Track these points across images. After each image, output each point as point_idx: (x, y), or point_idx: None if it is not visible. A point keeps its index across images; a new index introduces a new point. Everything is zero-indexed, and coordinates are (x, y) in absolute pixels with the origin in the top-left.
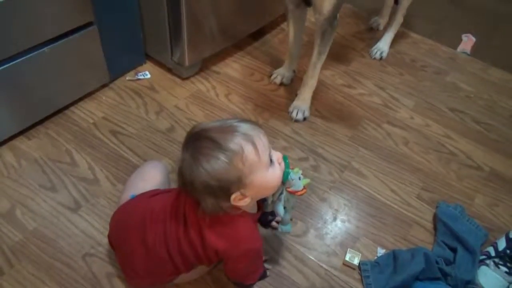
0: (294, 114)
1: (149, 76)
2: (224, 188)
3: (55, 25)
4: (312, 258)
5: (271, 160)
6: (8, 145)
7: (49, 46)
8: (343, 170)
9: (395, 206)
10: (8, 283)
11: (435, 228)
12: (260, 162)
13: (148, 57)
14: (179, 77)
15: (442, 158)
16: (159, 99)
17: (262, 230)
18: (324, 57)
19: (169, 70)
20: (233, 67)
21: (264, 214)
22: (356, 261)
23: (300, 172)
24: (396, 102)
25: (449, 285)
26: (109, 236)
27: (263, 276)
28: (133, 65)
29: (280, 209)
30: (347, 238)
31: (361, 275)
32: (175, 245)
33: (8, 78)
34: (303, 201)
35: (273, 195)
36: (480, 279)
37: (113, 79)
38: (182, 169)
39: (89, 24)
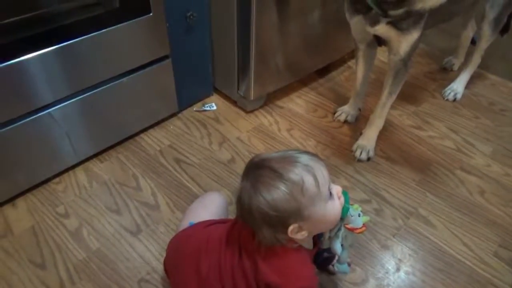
0: (357, 154)
1: (215, 107)
2: (282, 219)
3: (134, 57)
4: None
5: (330, 194)
6: (83, 166)
7: (127, 77)
8: (408, 217)
9: (468, 263)
10: None
11: None
12: (319, 194)
13: (215, 90)
14: (243, 110)
15: None
16: (222, 131)
17: (318, 273)
18: (394, 97)
19: (234, 103)
20: (297, 103)
21: (320, 251)
22: None
23: (360, 209)
24: (471, 147)
25: None
26: (164, 263)
27: None
28: (201, 97)
29: (338, 246)
30: None
31: None
32: (229, 276)
33: (89, 105)
34: (363, 247)
35: (331, 231)
36: None
37: (181, 109)
38: (241, 198)
39: (164, 58)
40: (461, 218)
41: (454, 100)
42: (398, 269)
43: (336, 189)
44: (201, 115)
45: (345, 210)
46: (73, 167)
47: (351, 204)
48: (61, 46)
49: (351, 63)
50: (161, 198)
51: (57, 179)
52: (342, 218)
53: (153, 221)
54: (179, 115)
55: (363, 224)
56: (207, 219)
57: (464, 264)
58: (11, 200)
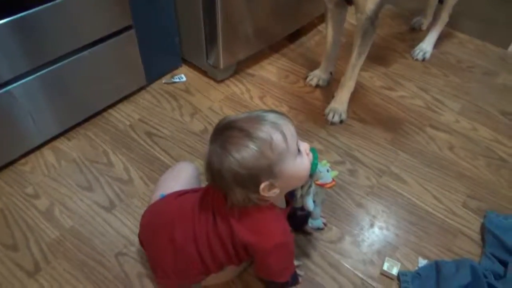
0: (330, 117)
1: (184, 79)
2: (253, 177)
3: (95, 29)
4: (348, 266)
5: (299, 150)
6: (50, 146)
7: (89, 50)
8: (381, 175)
9: (439, 215)
10: (44, 279)
11: (482, 240)
12: (288, 150)
13: (184, 61)
14: (214, 80)
15: (491, 164)
16: (194, 102)
17: (295, 235)
18: (363, 58)
19: (204, 73)
20: (268, 70)
21: (293, 209)
22: (394, 271)
23: (328, 164)
24: (440, 105)
25: None
26: (139, 236)
27: (295, 282)
28: (170, 69)
29: (310, 203)
30: (385, 246)
31: (399, 286)
32: (204, 242)
33: (51, 81)
34: (339, 206)
35: (302, 188)
36: None
37: (150, 82)
38: (210, 161)
39: (127, 28)
40: (431, 173)
41: (423, 59)
42: (372, 225)
43: (304, 146)
44: (171, 87)
45: (314, 166)
46: (40, 147)
47: (319, 161)
48: (16, 18)
49: (321, 27)
50: (134, 172)
51: (23, 160)
52: (311, 175)
53: (127, 195)
54: (148, 88)
55: (332, 179)
56: (178, 189)
57: (435, 216)
58: None
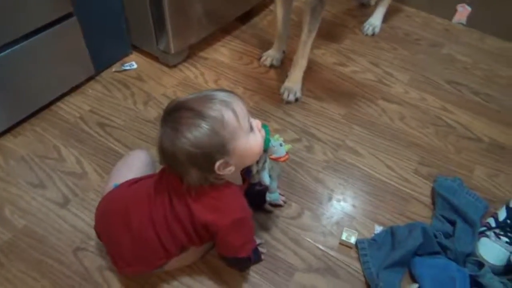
0: (285, 96)
1: (135, 66)
2: (207, 156)
3: (33, 18)
4: (308, 239)
5: (251, 127)
6: None
7: (29, 40)
8: (337, 149)
9: (392, 183)
10: None
11: (433, 203)
12: (241, 127)
13: (134, 47)
14: (166, 65)
15: (440, 132)
16: (146, 89)
17: (257, 215)
18: (314, 35)
19: (156, 59)
20: (221, 52)
21: (251, 186)
22: (353, 240)
23: (281, 139)
24: (390, 78)
25: (449, 258)
26: (95, 228)
27: (257, 259)
28: (119, 56)
29: (266, 178)
30: (343, 217)
31: (358, 254)
32: (162, 225)
33: None
34: (297, 183)
35: (257, 164)
36: (480, 251)
37: (99, 71)
38: (162, 143)
39: (68, 16)
40: (384, 144)
41: (373, 34)
42: (330, 199)
43: (256, 122)
44: (122, 76)
45: (266, 142)
46: None
47: (271, 136)
48: None
49: (272, 7)
50: (88, 165)
51: None
52: (265, 150)
53: (82, 189)
54: (97, 77)
55: (286, 152)
56: (132, 177)
57: (389, 184)
58: None
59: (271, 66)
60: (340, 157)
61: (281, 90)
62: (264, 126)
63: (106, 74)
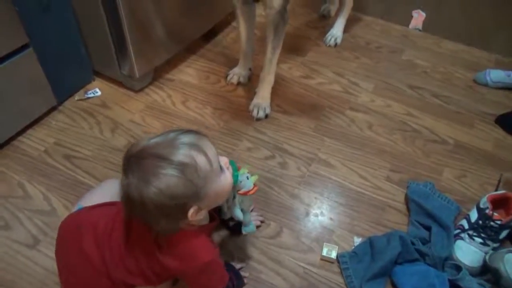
0: (255, 113)
1: (99, 93)
2: (180, 205)
3: None
4: (289, 258)
5: (221, 167)
6: None
7: None
8: (310, 163)
9: (366, 192)
10: None
11: (408, 209)
12: (213, 171)
13: (96, 73)
14: (131, 90)
15: (407, 137)
16: (112, 116)
17: (235, 238)
18: (278, 51)
19: (120, 84)
20: (187, 73)
21: (223, 222)
22: (333, 255)
23: (247, 171)
24: (355, 87)
25: (428, 264)
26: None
27: (241, 284)
28: (81, 84)
29: (238, 213)
30: (322, 232)
31: (340, 268)
32: (115, 259)
33: None
34: (274, 201)
35: (227, 201)
36: (457, 254)
37: (61, 101)
38: (129, 195)
39: (24, 47)
40: (355, 154)
41: (336, 45)
42: (307, 214)
43: (224, 161)
44: (86, 104)
45: (235, 178)
46: None
47: (238, 169)
48: None
49: (235, 23)
50: (56, 200)
51: None
52: (233, 186)
53: (51, 227)
54: (60, 108)
55: (254, 184)
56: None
57: (363, 194)
58: None
59: (238, 83)
60: (314, 170)
61: (250, 107)
62: (231, 162)
63: (69, 104)
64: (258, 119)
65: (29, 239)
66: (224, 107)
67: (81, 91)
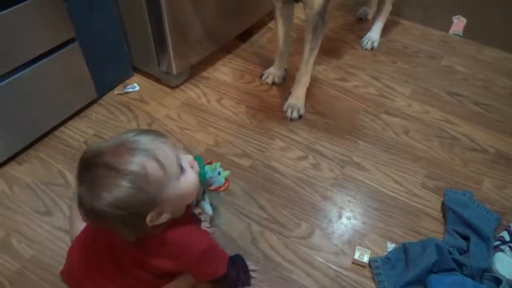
0: (289, 113)
1: (138, 88)
2: (135, 214)
3: (35, 45)
4: (320, 260)
5: (182, 168)
6: (0, 172)
7: (31, 67)
8: (344, 166)
9: (401, 198)
10: None
11: (444, 217)
12: (167, 176)
13: (135, 69)
14: (168, 86)
15: (445, 144)
16: (149, 111)
17: (267, 236)
18: (316, 52)
19: (157, 80)
20: (222, 71)
21: (193, 215)
22: (365, 259)
23: (219, 165)
24: (392, 91)
25: (465, 275)
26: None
27: (247, 279)
28: (121, 79)
29: (208, 208)
30: (355, 235)
31: (372, 273)
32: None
33: None
34: (305, 201)
35: (196, 196)
36: (497, 266)
37: (101, 94)
38: (82, 204)
39: (70, 41)
40: (390, 158)
41: (372, 48)
42: (340, 216)
43: (187, 159)
44: (124, 98)
45: (202, 176)
46: None
47: (209, 164)
48: None
49: (271, 24)
50: None
51: None
52: (202, 184)
53: None
54: (100, 101)
55: (226, 179)
56: None
57: (397, 199)
58: None
59: (273, 83)
60: (347, 173)
61: (284, 108)
62: (196, 158)
63: (108, 97)
64: (291, 120)
65: (67, 226)
66: (258, 106)
67: (121, 86)
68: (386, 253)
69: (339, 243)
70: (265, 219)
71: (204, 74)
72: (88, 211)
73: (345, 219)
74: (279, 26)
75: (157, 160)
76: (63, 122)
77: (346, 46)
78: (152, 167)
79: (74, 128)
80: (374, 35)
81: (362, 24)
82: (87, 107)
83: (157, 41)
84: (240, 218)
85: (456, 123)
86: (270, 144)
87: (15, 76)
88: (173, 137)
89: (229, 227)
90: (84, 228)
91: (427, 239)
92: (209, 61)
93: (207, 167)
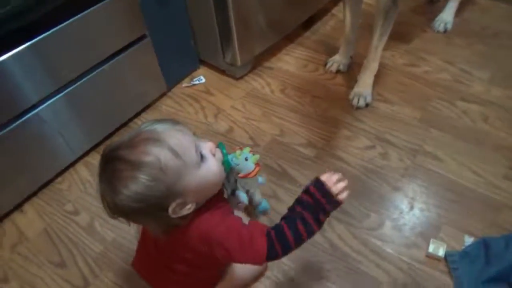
0: (355, 101)
1: (204, 80)
2: (156, 205)
3: (111, 42)
4: (391, 251)
5: (202, 155)
6: (83, 162)
7: (108, 63)
8: (415, 155)
9: (480, 189)
10: None
11: None
12: (185, 164)
13: (202, 62)
14: (233, 77)
15: None
16: (215, 102)
17: (335, 226)
18: (386, 38)
19: (223, 72)
20: (285, 61)
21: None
22: (441, 252)
23: (247, 150)
24: (468, 76)
25: None
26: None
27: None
28: (188, 72)
29: (243, 197)
30: (428, 227)
31: (448, 267)
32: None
33: (75, 99)
34: (374, 191)
35: (226, 189)
36: None
37: (170, 87)
38: (104, 200)
39: (142, 37)
40: (467, 148)
41: (445, 31)
42: (412, 208)
43: (208, 147)
44: (192, 90)
45: (226, 164)
46: (73, 164)
47: (234, 151)
48: (36, 41)
49: (335, 11)
50: None
51: (59, 179)
52: (229, 172)
53: None
54: (169, 93)
55: (256, 164)
56: None
57: (476, 191)
58: (18, 207)
59: (338, 71)
60: (419, 163)
61: (351, 96)
62: (220, 145)
63: (177, 90)
64: (358, 108)
65: None
66: (323, 95)
67: (188, 78)
68: (463, 247)
69: (411, 235)
70: None
71: (268, 64)
72: (111, 206)
73: (418, 210)
74: (346, 12)
75: (171, 149)
76: (137, 114)
77: (416, 29)
78: (166, 156)
79: (146, 120)
80: (447, 16)
81: (433, 5)
82: (158, 100)
83: (222, 33)
84: None
85: None
86: (336, 134)
87: (93, 73)
88: (238, 127)
89: None
90: None
91: (510, 234)
92: (272, 51)
93: (231, 155)
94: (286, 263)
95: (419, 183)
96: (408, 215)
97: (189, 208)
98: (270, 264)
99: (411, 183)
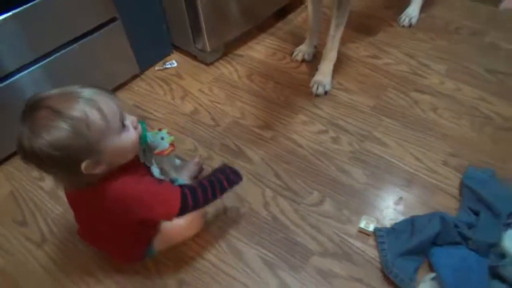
0: (314, 89)
1: (175, 64)
2: (70, 158)
3: (82, 23)
4: (327, 226)
5: (124, 125)
6: None
7: (78, 43)
8: (363, 140)
9: (419, 174)
10: (49, 248)
11: (461, 194)
12: (109, 127)
13: (174, 47)
14: (204, 63)
15: (475, 122)
16: (184, 85)
17: (278, 199)
18: (342, 28)
19: (194, 57)
20: (256, 49)
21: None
22: (371, 228)
23: (165, 131)
24: (425, 69)
25: (471, 249)
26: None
27: (238, 178)
28: (162, 56)
29: (156, 171)
30: (365, 206)
31: (376, 242)
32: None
33: (44, 75)
34: (321, 172)
35: (144, 162)
36: (506, 243)
37: (143, 69)
38: (21, 143)
39: (113, 20)
40: (414, 135)
41: (410, 25)
42: (352, 188)
43: (131, 120)
44: (163, 73)
45: (144, 138)
46: None
47: (152, 130)
48: (15, 12)
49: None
50: None
51: None
52: (143, 146)
53: None
54: (142, 76)
55: (171, 144)
56: None
57: (415, 175)
58: None
59: (303, 60)
60: (367, 148)
61: (311, 83)
62: (140, 122)
63: (149, 73)
64: (317, 95)
65: None
66: (286, 82)
67: (161, 62)
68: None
69: (347, 213)
70: (279, 186)
71: (238, 52)
72: (27, 152)
73: (358, 190)
74: (309, 3)
75: (100, 110)
76: None
77: (382, 23)
78: (94, 115)
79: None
80: (412, 11)
81: (403, 1)
82: (130, 81)
83: (192, 19)
84: (256, 184)
85: (491, 102)
86: (293, 118)
87: (64, 51)
88: (203, 109)
89: (244, 191)
90: None
91: (434, 212)
92: (244, 39)
93: (149, 133)
94: (233, 234)
95: (364, 166)
96: (348, 194)
97: (100, 169)
98: (216, 233)
99: (356, 166)
